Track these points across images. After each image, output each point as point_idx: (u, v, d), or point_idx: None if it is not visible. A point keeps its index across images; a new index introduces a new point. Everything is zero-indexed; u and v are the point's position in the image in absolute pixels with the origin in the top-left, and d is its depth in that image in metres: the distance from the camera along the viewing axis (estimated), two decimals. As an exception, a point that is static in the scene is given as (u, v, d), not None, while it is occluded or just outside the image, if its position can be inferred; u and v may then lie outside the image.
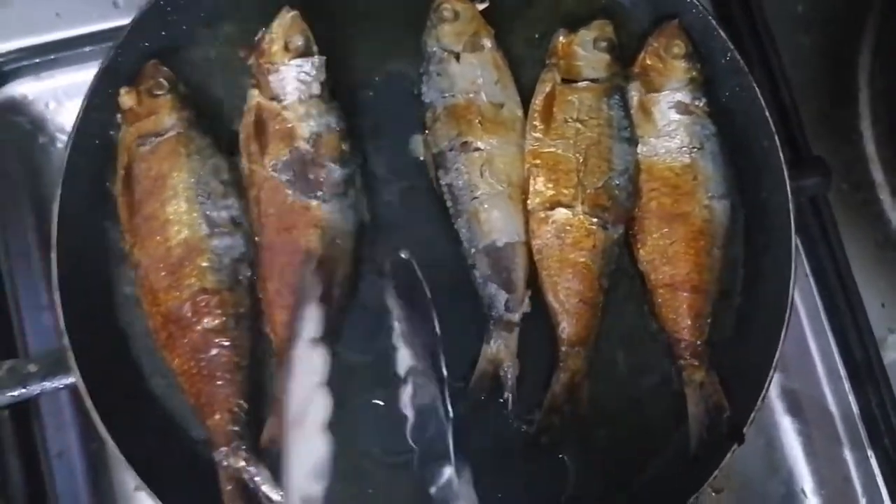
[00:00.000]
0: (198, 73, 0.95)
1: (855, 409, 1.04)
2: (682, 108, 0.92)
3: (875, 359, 1.01)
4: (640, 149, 0.93)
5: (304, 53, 0.88)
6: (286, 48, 0.88)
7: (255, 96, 0.89)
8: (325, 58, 0.89)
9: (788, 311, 0.88)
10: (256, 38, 0.89)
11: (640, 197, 0.92)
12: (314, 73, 0.88)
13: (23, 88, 1.06)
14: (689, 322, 0.90)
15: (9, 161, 1.05)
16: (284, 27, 0.88)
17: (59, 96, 1.06)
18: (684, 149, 0.92)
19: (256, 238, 0.89)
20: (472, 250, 0.90)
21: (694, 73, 0.92)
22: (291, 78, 0.88)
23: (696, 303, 0.90)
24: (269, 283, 0.87)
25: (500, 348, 0.88)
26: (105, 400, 0.84)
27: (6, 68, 1.04)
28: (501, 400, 0.89)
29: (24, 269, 1.02)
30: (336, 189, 0.88)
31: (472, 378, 0.88)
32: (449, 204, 0.91)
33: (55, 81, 1.06)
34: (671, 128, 0.92)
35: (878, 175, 1.11)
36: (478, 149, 0.89)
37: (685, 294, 0.90)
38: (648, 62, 0.94)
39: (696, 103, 0.92)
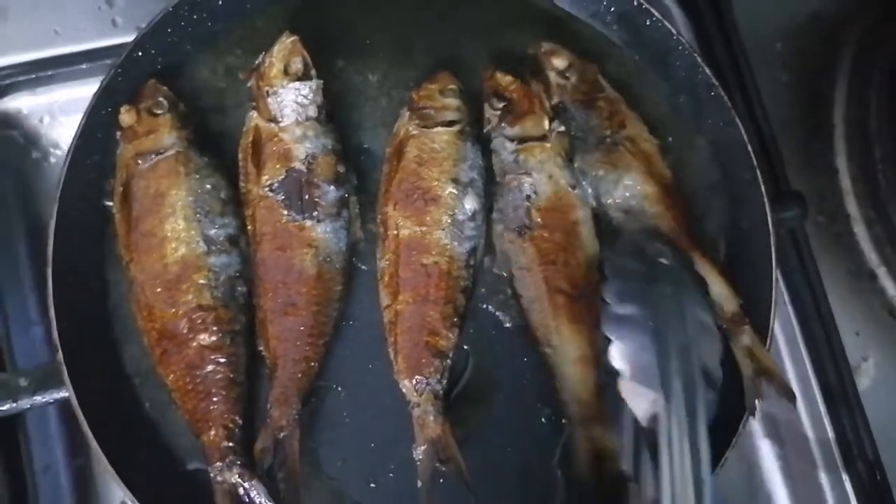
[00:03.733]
0: (198, 93, 0.97)
1: (831, 433, 1.07)
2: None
3: (849, 385, 1.04)
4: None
5: (303, 77, 0.90)
6: (285, 71, 0.90)
7: (253, 118, 0.91)
8: (322, 81, 0.91)
9: (769, 339, 0.91)
10: (257, 62, 0.92)
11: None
12: (312, 95, 0.90)
13: (18, 103, 1.06)
14: None
15: (1, 176, 1.05)
16: (284, 51, 0.90)
17: (55, 112, 1.07)
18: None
19: (252, 259, 0.90)
20: None
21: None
22: (289, 100, 0.90)
23: None
24: (264, 300, 0.88)
25: None
26: (97, 415, 0.84)
27: (2, 83, 1.05)
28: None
29: (13, 283, 1.02)
30: (330, 210, 0.90)
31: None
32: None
33: (51, 97, 1.07)
34: None
35: (852, 208, 1.15)
36: None
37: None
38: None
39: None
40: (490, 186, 0.94)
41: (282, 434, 0.85)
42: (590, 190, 0.94)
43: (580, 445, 0.86)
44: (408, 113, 0.94)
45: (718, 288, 0.90)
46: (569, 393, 0.87)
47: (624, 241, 0.91)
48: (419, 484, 0.84)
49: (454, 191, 0.91)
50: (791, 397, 0.89)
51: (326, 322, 0.89)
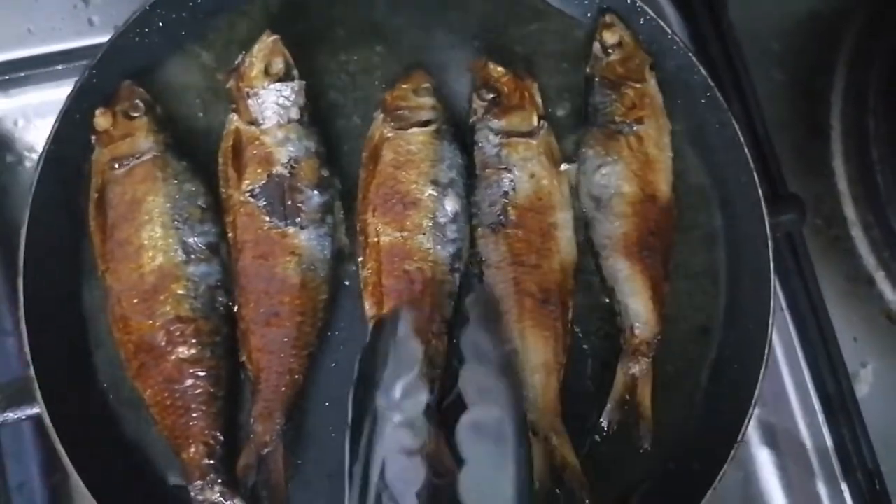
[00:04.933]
0: (176, 95, 0.93)
1: (829, 442, 1.04)
2: None
3: (848, 393, 1.02)
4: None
5: (284, 78, 0.87)
6: (266, 72, 0.87)
7: (233, 120, 0.88)
8: (304, 82, 0.88)
9: (768, 346, 0.89)
10: (237, 62, 0.88)
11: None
12: (293, 97, 0.87)
13: (-10, 105, 1.02)
14: None
15: (-27, 179, 1.02)
16: (265, 51, 0.87)
17: (29, 114, 1.03)
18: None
19: (232, 263, 0.87)
20: None
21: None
22: (270, 102, 0.86)
23: None
24: (246, 310, 0.85)
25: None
26: (71, 432, 0.81)
27: (-26, 85, 1.01)
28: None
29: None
30: (314, 216, 0.87)
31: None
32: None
33: (25, 99, 1.03)
34: None
35: (849, 211, 1.13)
36: None
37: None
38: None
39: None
40: (470, 180, 0.91)
41: (265, 450, 0.83)
42: (575, 168, 0.93)
43: (539, 456, 0.84)
44: (381, 115, 0.91)
45: (641, 308, 0.89)
46: (528, 400, 0.85)
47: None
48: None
49: (434, 193, 0.88)
50: (646, 444, 0.87)
51: (311, 332, 0.86)
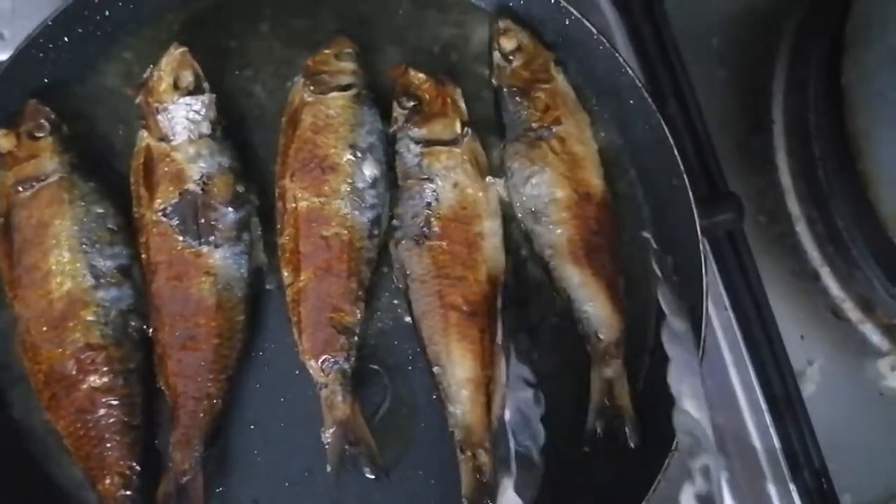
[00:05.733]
0: (84, 112, 0.91)
1: (776, 442, 1.03)
2: None
3: (794, 392, 1.00)
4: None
5: (194, 91, 0.85)
6: (175, 86, 0.84)
7: (144, 137, 0.86)
8: (214, 95, 0.86)
9: (701, 350, 0.87)
10: (144, 76, 0.86)
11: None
12: (204, 111, 0.85)
13: None
14: None
15: None
16: (173, 64, 0.84)
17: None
18: None
19: (146, 286, 0.85)
20: None
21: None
22: (181, 117, 0.84)
23: None
24: (161, 334, 0.83)
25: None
26: None
27: None
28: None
29: None
30: (229, 234, 0.85)
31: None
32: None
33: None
34: None
35: (793, 207, 1.11)
36: None
37: None
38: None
39: None
40: (391, 191, 0.90)
41: (185, 479, 0.81)
42: (503, 183, 0.91)
43: (467, 472, 0.83)
44: (302, 80, 0.89)
45: (601, 312, 0.88)
46: (455, 417, 0.84)
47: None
48: (328, 468, 0.81)
49: (352, 157, 0.87)
50: (634, 441, 0.87)
51: (229, 355, 0.84)
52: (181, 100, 0.84)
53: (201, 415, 0.82)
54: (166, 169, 0.84)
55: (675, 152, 0.88)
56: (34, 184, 0.83)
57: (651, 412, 0.90)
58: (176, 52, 0.84)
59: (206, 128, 0.85)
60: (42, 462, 0.85)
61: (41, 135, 0.84)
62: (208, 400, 0.82)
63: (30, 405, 0.85)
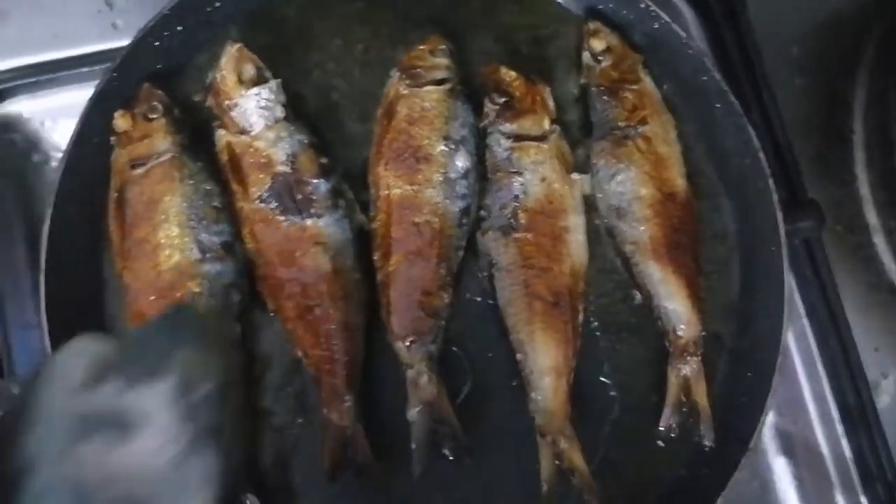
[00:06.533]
0: (192, 97, 0.95)
1: (848, 452, 1.02)
2: None
3: (868, 403, 1.00)
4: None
5: (259, 81, 0.89)
6: (240, 81, 0.88)
7: (222, 136, 0.89)
8: (280, 80, 0.90)
9: (780, 354, 0.88)
10: (208, 80, 0.90)
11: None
12: (273, 97, 0.88)
13: (18, 107, 1.05)
14: None
15: (2, 179, 1.04)
16: (232, 62, 0.88)
17: (55, 115, 1.05)
18: None
19: (260, 274, 0.88)
20: None
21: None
22: (253, 108, 0.88)
23: None
24: (287, 312, 0.87)
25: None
26: None
27: (2, 86, 1.04)
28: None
29: (12, 286, 1.00)
30: (326, 202, 0.88)
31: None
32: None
33: (51, 101, 1.05)
34: None
35: (872, 217, 1.10)
36: None
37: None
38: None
39: None
40: (481, 183, 0.92)
41: (348, 433, 0.84)
42: (587, 181, 0.93)
43: (546, 459, 0.85)
44: (397, 74, 0.92)
45: (681, 309, 0.89)
46: (536, 403, 0.86)
47: None
48: (413, 446, 0.83)
49: (445, 148, 0.89)
50: (709, 441, 0.87)
51: (357, 312, 0.88)
52: (249, 92, 0.87)
53: (345, 372, 0.85)
54: (252, 160, 0.87)
55: (762, 156, 0.89)
56: (147, 162, 0.87)
57: (726, 410, 0.91)
58: (233, 50, 0.88)
59: (279, 111, 0.88)
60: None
61: (154, 116, 0.88)
62: (348, 356, 0.85)
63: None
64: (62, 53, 1.05)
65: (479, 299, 0.93)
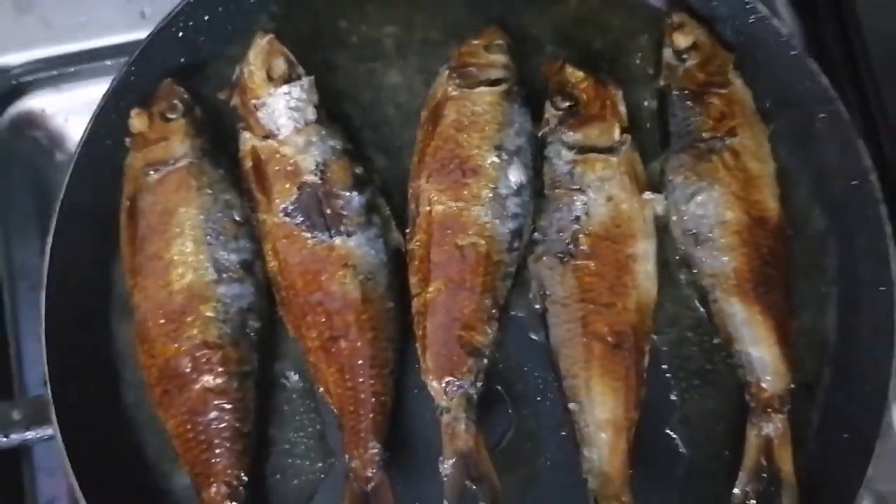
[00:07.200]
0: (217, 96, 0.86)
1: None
2: None
3: None
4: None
5: (290, 78, 0.79)
6: (269, 77, 0.79)
7: (247, 139, 0.81)
8: (312, 77, 0.80)
9: (885, 414, 0.77)
10: (234, 76, 0.81)
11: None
12: (305, 96, 0.80)
13: (41, 101, 1.00)
14: None
15: (22, 179, 0.99)
16: (262, 54, 0.79)
17: (80, 110, 0.97)
18: None
19: (281, 297, 0.80)
20: None
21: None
22: (282, 108, 0.79)
23: None
24: (308, 341, 0.79)
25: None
26: (86, 458, 0.76)
27: (24, 79, 0.99)
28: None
29: (35, 297, 0.94)
30: (358, 219, 0.80)
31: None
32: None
33: (75, 95, 1.00)
34: None
35: None
36: None
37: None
38: None
39: None
40: (536, 201, 0.82)
41: (370, 486, 0.76)
42: (661, 201, 0.82)
43: None
44: (447, 72, 0.83)
45: (767, 357, 0.78)
46: (590, 462, 0.76)
47: None
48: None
49: (497, 160, 0.80)
50: None
51: (387, 347, 0.79)
52: (278, 90, 0.78)
53: (371, 415, 0.76)
54: (277, 167, 0.79)
55: (873, 178, 0.78)
56: (163, 167, 0.81)
57: (816, 479, 0.79)
58: (263, 42, 0.79)
59: (311, 113, 0.79)
60: (151, 461, 0.82)
61: (174, 116, 0.82)
62: (375, 398, 0.77)
63: (142, 399, 0.82)
64: (88, 44, 0.98)
65: (531, 336, 0.83)
